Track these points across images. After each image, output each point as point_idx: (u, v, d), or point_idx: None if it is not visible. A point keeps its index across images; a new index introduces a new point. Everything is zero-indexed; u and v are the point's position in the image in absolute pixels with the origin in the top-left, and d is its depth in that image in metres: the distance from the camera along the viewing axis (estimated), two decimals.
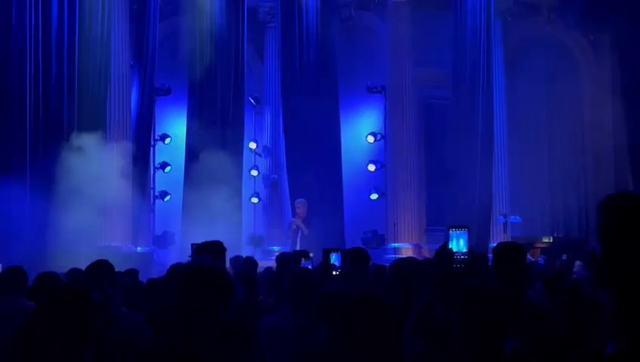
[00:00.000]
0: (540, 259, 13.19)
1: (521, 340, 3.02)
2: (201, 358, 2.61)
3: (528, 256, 11.41)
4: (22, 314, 4.73)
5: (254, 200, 15.11)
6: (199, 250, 5.37)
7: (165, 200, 14.45)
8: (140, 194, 13.09)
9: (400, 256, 11.11)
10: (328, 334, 3.62)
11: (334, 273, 5.32)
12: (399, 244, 14.27)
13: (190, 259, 6.29)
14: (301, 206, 13.23)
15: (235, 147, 13.68)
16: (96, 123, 12.04)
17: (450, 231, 3.29)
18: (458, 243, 3.22)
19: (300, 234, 12.93)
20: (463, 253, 3.22)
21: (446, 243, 3.24)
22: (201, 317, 2.63)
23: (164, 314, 4.17)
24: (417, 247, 14.46)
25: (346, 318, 3.56)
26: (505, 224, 15.07)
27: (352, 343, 3.15)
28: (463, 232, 3.28)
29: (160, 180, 14.61)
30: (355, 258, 5.84)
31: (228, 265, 6.11)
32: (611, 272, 2.17)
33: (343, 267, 5.47)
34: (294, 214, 13.46)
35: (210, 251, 5.04)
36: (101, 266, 5.28)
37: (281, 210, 15.14)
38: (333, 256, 5.44)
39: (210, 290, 2.67)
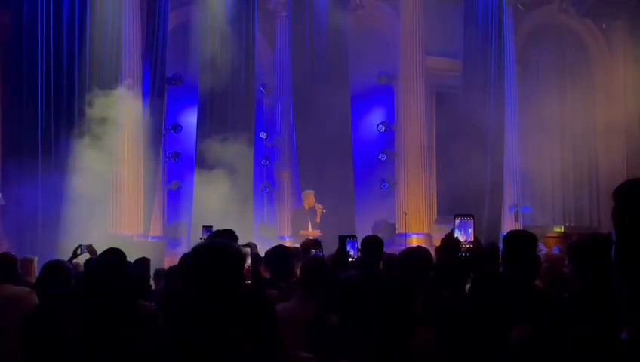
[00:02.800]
0: (554, 249, 13.16)
1: (530, 326, 3.04)
2: (228, 341, 2.61)
3: (542, 246, 11.41)
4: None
5: (265, 189, 15.14)
6: (211, 237, 5.43)
7: (174, 188, 14.53)
8: (152, 184, 13.15)
9: (410, 245, 11.14)
10: (339, 321, 3.65)
11: (350, 259, 5.34)
12: (410, 234, 14.26)
13: (201, 239, 6.36)
14: (304, 197, 13.18)
15: (246, 136, 13.66)
16: (108, 113, 12.07)
17: (457, 220, 3.29)
18: (464, 232, 3.23)
19: (309, 223, 12.85)
20: (469, 242, 3.22)
21: (452, 232, 3.25)
22: (220, 293, 2.63)
23: (179, 302, 4.20)
24: (428, 237, 14.47)
25: (357, 306, 3.59)
26: (516, 214, 15.05)
27: (362, 330, 3.18)
28: (469, 221, 3.28)
29: (171, 170, 14.69)
30: (369, 246, 5.85)
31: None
32: (626, 257, 2.18)
33: (357, 254, 5.49)
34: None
35: (222, 238, 5.08)
36: (112, 255, 5.32)
37: (292, 200, 15.17)
38: (349, 244, 5.45)
39: (221, 262, 2.68)
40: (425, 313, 3.15)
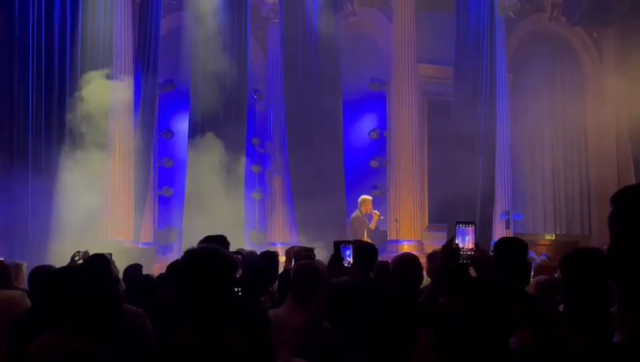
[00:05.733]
0: (542, 256, 13.18)
1: (525, 333, 3.04)
2: (219, 346, 2.58)
3: (533, 254, 11.41)
4: None
5: (256, 195, 15.10)
6: (201, 243, 5.39)
7: (167, 195, 14.48)
8: (143, 190, 13.10)
9: (402, 252, 11.10)
10: (333, 327, 3.62)
11: (346, 264, 5.32)
12: (401, 241, 14.24)
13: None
14: (361, 202, 12.90)
15: (238, 142, 13.64)
16: (98, 118, 12.02)
17: (457, 227, 3.30)
18: (464, 239, 3.23)
19: (365, 231, 12.61)
20: (469, 249, 3.23)
21: (452, 239, 3.25)
22: (209, 301, 2.61)
23: (168, 308, 4.18)
24: (419, 244, 14.46)
25: (351, 312, 3.57)
26: (507, 221, 15.05)
27: (356, 336, 3.16)
28: (468, 228, 3.29)
29: (163, 176, 14.64)
30: (361, 252, 5.82)
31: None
32: (622, 263, 2.18)
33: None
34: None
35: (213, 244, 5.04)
36: (98, 260, 5.32)
37: (283, 206, 15.13)
38: (344, 249, 5.43)
39: (211, 269, 2.66)
40: (424, 319, 3.14)
